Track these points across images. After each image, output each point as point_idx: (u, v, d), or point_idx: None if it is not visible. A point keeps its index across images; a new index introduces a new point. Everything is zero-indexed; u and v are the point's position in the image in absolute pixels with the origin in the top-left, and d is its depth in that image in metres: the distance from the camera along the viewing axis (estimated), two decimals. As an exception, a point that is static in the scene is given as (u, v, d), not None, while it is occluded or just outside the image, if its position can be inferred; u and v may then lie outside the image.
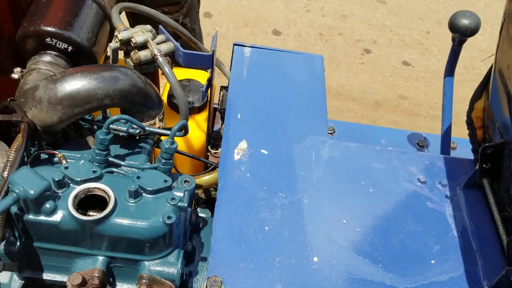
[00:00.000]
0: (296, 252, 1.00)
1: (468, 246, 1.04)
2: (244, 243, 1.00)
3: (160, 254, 0.91)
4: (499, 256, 1.03)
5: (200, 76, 1.65)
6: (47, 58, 1.11)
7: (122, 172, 1.01)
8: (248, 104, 1.31)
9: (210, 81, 1.28)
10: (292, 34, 3.78)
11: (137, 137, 1.08)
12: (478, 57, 3.73)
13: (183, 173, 1.22)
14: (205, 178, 1.23)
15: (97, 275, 0.88)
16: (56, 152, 1.01)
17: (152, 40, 1.15)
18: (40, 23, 1.11)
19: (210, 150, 1.39)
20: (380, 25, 3.96)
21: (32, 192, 0.81)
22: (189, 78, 1.54)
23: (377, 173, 1.19)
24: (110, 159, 1.00)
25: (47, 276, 0.96)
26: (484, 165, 1.08)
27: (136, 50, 1.15)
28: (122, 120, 1.01)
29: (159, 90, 1.33)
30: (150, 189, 0.89)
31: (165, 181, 0.91)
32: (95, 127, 1.14)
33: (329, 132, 1.65)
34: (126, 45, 1.15)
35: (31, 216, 0.85)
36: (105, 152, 0.98)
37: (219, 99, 1.48)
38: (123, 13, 1.38)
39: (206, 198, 1.53)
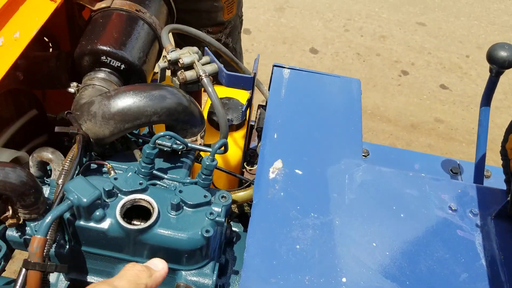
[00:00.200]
0: (325, 272, 1.03)
1: (496, 276, 1.05)
2: (276, 260, 1.05)
3: (197, 265, 0.96)
4: (528, 289, 1.03)
5: (239, 94, 1.72)
6: (101, 74, 1.20)
7: (165, 185, 1.07)
8: (284, 124, 1.36)
9: (249, 101, 1.34)
10: (329, 53, 3.82)
11: (179, 152, 1.15)
12: (518, 83, 3.68)
13: (220, 188, 1.28)
14: (240, 194, 1.28)
15: (137, 280, 0.94)
16: (105, 163, 1.08)
17: (198, 61, 1.22)
18: (97, 42, 1.20)
19: (246, 166, 1.45)
20: (418, 47, 3.95)
21: (85, 200, 0.88)
22: (229, 96, 1.61)
23: (409, 198, 1.21)
24: (154, 172, 1.07)
25: (91, 278, 1.03)
26: (516, 197, 1.10)
27: (183, 70, 1.22)
28: (167, 136, 1.08)
29: (201, 107, 1.40)
30: (191, 203, 0.95)
31: (205, 196, 0.97)
32: (140, 140, 1.22)
33: (363, 154, 1.68)
34: (174, 65, 1.23)
35: (82, 222, 0.92)
36: (150, 166, 1.05)
37: (256, 117, 1.54)
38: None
39: (239, 213, 1.59)
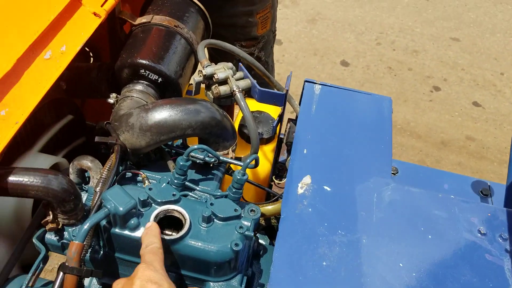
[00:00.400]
0: (351, 290, 1.04)
1: (526, 305, 1.04)
2: (302, 276, 1.06)
3: (225, 277, 0.99)
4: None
5: (270, 107, 1.74)
6: (139, 87, 1.25)
7: (196, 196, 1.11)
8: (314, 140, 1.38)
9: (281, 117, 1.37)
10: (360, 66, 3.82)
11: (211, 165, 1.18)
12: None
13: (248, 200, 1.30)
14: (268, 208, 1.31)
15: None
16: (140, 172, 1.13)
17: (232, 76, 1.25)
18: (137, 56, 1.25)
19: (274, 180, 1.47)
20: (452, 63, 3.91)
21: (121, 209, 0.92)
22: (260, 110, 1.64)
23: (437, 220, 1.21)
24: (187, 183, 1.10)
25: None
26: (547, 224, 1.08)
27: (217, 85, 1.26)
28: (200, 149, 1.11)
29: (233, 120, 1.44)
30: (221, 216, 0.98)
31: (235, 210, 1.00)
32: (173, 151, 1.26)
33: (392, 172, 1.67)
34: (209, 79, 1.26)
35: (117, 230, 0.96)
36: (183, 177, 1.08)
37: (285, 131, 1.56)
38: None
39: (266, 225, 1.61)
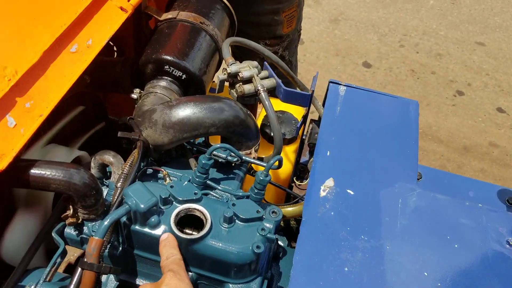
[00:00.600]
0: (373, 298, 1.01)
1: (556, 321, 1.00)
2: (323, 281, 1.04)
3: (244, 279, 0.97)
4: None
5: (292, 108, 1.72)
6: (163, 83, 1.24)
7: (217, 196, 1.09)
8: (338, 142, 1.35)
9: (305, 118, 1.34)
10: (383, 68, 3.76)
11: (233, 164, 1.16)
12: None
13: (267, 200, 1.28)
14: (289, 210, 1.28)
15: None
16: (162, 169, 1.11)
17: (257, 75, 1.23)
18: (161, 51, 1.24)
19: (295, 181, 1.45)
20: (476, 67, 3.82)
21: (142, 206, 0.91)
22: (283, 110, 1.61)
23: (464, 229, 1.17)
24: (208, 182, 1.08)
25: (139, 281, 1.06)
26: None
27: (241, 83, 1.24)
28: (223, 148, 1.09)
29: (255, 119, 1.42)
30: (243, 217, 0.96)
31: (258, 211, 0.98)
32: (195, 149, 1.24)
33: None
34: (233, 77, 1.25)
35: (137, 227, 0.95)
36: (204, 176, 1.06)
37: (307, 132, 1.54)
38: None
39: (284, 226, 1.58)
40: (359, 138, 1.37)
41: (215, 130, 1.09)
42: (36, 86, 0.97)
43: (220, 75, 1.26)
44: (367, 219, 1.17)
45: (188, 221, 1.00)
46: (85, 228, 1.01)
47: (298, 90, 1.29)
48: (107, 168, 1.13)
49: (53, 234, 0.96)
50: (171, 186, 0.99)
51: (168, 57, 1.23)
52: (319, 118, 1.69)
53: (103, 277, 1.08)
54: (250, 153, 1.17)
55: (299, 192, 1.46)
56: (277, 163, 1.07)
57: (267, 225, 0.97)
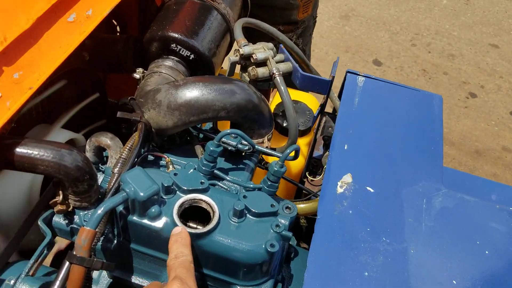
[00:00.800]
0: (397, 307, 0.90)
1: None
2: (340, 285, 0.93)
3: (254, 282, 0.86)
4: None
5: (304, 98, 1.61)
6: (169, 62, 1.13)
7: (225, 187, 0.98)
8: (356, 135, 1.24)
9: (323, 107, 1.23)
10: (393, 67, 3.65)
11: (243, 153, 1.05)
12: None
13: (281, 197, 1.17)
14: (301, 206, 1.17)
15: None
16: (165, 156, 1.00)
17: (272, 58, 1.12)
18: (168, 28, 1.12)
19: (308, 176, 1.34)
20: (490, 69, 3.71)
21: (142, 194, 0.80)
22: (295, 99, 1.50)
23: (495, 234, 1.06)
24: (215, 171, 0.97)
25: (135, 279, 0.95)
26: None
27: (255, 66, 1.13)
28: (233, 135, 0.98)
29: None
30: (256, 211, 0.85)
31: (272, 205, 0.87)
32: (201, 135, 1.13)
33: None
34: (246, 60, 1.14)
35: (135, 218, 0.84)
36: (212, 164, 0.95)
37: (320, 124, 1.43)
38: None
39: (294, 225, 1.47)
40: (378, 132, 1.26)
41: (225, 115, 0.98)
42: (26, 55, 0.86)
43: (231, 57, 1.15)
44: (388, 220, 1.06)
45: (193, 213, 0.89)
46: (76, 217, 0.89)
47: (317, 75, 1.18)
48: (104, 152, 1.03)
49: (39, 223, 0.85)
50: (175, 174, 0.88)
51: (175, 35, 1.12)
52: (333, 110, 1.58)
53: (95, 273, 0.97)
54: (263, 142, 1.06)
55: (312, 188, 1.35)
56: (293, 153, 0.96)
57: (282, 221, 0.86)
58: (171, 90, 0.97)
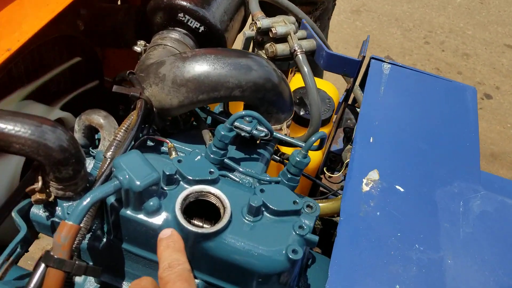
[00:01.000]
0: (436, 329, 0.76)
1: None
2: (369, 300, 0.79)
3: (270, 293, 0.71)
4: None
5: (321, 85, 1.46)
6: (175, 35, 0.98)
7: (236, 179, 0.83)
8: (383, 128, 1.10)
9: (349, 91, 1.09)
10: (406, 64, 3.50)
11: (258, 141, 0.91)
12: None
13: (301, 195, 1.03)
14: (321, 205, 1.03)
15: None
16: (167, 141, 0.86)
17: (294, 33, 0.98)
18: (176, -5, 0.98)
19: (326, 172, 1.19)
20: (505, 70, 3.57)
21: (138, 183, 0.65)
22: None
23: (544, 244, 0.92)
24: (226, 160, 0.83)
25: (127, 286, 0.80)
26: None
27: (273, 43, 0.98)
28: (247, 118, 0.84)
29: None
30: (275, 208, 0.70)
31: (295, 202, 0.72)
32: (209, 120, 0.99)
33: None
34: (263, 35, 0.99)
35: (129, 212, 0.69)
36: (222, 152, 0.81)
37: (340, 115, 1.29)
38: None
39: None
40: (407, 124, 1.12)
41: (239, 94, 0.83)
42: (5, 11, 0.71)
43: (247, 31, 1.00)
44: (421, 224, 0.92)
45: (198, 209, 0.74)
46: (58, 209, 0.75)
47: (345, 56, 1.03)
48: (96, 135, 0.88)
49: (13, 214, 0.71)
50: (179, 161, 0.73)
51: (184, 3, 0.97)
52: (353, 101, 1.44)
53: (79, 278, 0.82)
54: (281, 129, 0.92)
55: (329, 185, 1.21)
56: (318, 142, 0.82)
57: (307, 221, 0.71)
58: (177, 63, 0.82)
